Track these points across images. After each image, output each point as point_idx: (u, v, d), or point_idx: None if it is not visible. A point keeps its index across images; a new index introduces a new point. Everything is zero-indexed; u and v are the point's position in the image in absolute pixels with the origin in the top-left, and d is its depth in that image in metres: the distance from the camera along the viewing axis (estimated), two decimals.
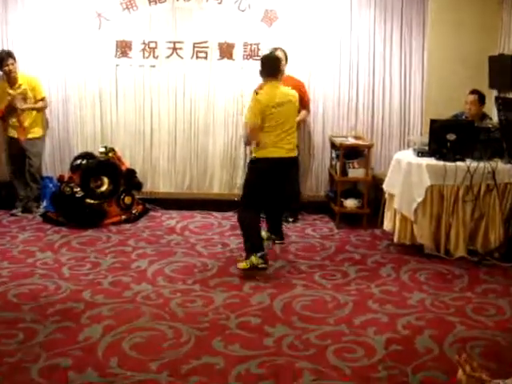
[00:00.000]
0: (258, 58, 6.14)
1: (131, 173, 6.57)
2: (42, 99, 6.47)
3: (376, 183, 6.27)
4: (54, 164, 6.84)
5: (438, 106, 6.23)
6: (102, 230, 6.03)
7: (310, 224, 6.41)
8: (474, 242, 5.32)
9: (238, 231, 5.29)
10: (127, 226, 6.22)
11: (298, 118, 5.42)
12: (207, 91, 6.67)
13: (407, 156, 5.50)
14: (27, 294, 4.45)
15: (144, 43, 6.55)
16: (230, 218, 6.41)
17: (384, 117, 6.67)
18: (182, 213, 6.67)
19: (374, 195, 6.35)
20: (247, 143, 5.20)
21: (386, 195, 5.74)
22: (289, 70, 6.15)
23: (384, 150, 6.72)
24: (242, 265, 4.86)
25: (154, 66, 6.63)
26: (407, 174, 5.29)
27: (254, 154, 5.08)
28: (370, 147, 6.24)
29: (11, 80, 6.30)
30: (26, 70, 6.47)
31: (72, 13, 6.47)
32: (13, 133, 6.44)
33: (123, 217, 6.33)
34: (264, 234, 5.42)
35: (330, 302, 4.41)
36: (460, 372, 2.16)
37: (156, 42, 6.55)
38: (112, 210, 6.31)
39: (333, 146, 6.55)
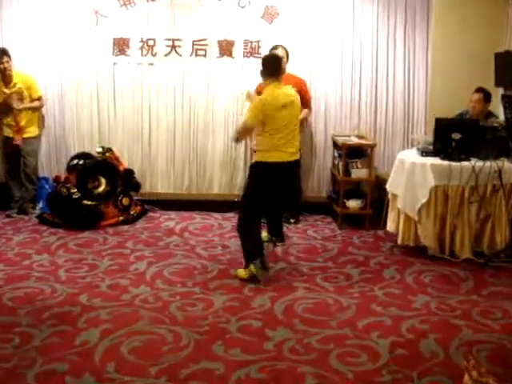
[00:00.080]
0: (259, 55, 6.22)
1: (129, 173, 6.54)
2: (39, 98, 6.43)
3: (379, 183, 6.24)
4: (50, 164, 6.82)
5: (442, 104, 6.19)
6: (100, 232, 6.00)
7: (312, 225, 6.37)
8: (479, 243, 5.28)
9: None
10: (125, 227, 6.18)
11: (299, 117, 5.32)
12: (207, 90, 6.64)
13: (411, 155, 5.46)
14: (23, 297, 4.41)
15: (142, 41, 6.52)
16: (231, 219, 6.37)
17: (387, 115, 6.64)
18: (181, 214, 6.64)
19: (377, 196, 6.33)
20: (235, 140, 5.11)
21: (390, 195, 5.69)
22: (290, 67, 6.12)
23: (387, 149, 6.69)
24: (241, 274, 4.81)
25: (152, 64, 6.60)
26: (411, 174, 5.25)
27: (255, 158, 4.99)
28: (373, 147, 6.21)
29: (6, 78, 6.24)
30: (21, 68, 6.42)
31: (68, 9, 6.44)
32: (8, 132, 6.39)
33: (121, 218, 6.30)
34: (264, 235, 5.37)
35: (333, 304, 4.37)
36: (466, 377, 2.16)
37: (154, 40, 6.51)
38: (109, 211, 6.27)
39: (335, 145, 6.52)
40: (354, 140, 6.31)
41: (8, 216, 6.38)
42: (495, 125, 5.34)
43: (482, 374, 2.13)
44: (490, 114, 5.68)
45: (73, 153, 6.58)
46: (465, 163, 5.11)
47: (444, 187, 5.15)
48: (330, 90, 6.58)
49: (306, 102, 6.00)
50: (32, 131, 6.42)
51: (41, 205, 6.49)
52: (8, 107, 6.25)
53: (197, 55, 6.53)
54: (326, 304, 4.37)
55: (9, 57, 6.19)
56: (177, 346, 3.70)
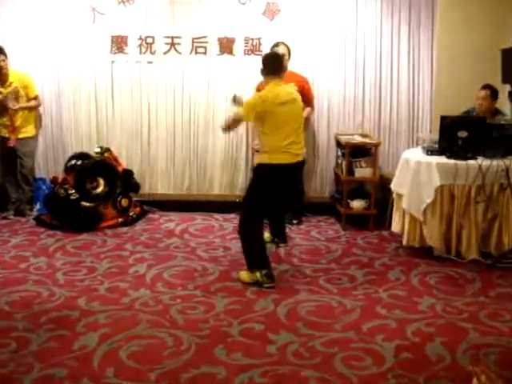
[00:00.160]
0: (260, 53, 6.21)
1: (128, 174, 6.50)
2: (35, 98, 6.37)
3: (383, 183, 6.20)
4: (47, 165, 6.79)
5: (447, 102, 6.15)
6: (98, 234, 5.96)
7: (315, 226, 6.33)
8: (486, 243, 5.22)
9: None
10: (124, 229, 6.14)
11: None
12: (207, 88, 6.60)
13: (416, 154, 5.41)
14: (20, 301, 4.37)
15: (141, 38, 6.47)
16: (232, 220, 6.33)
17: (392, 114, 6.59)
18: (181, 215, 6.61)
19: (381, 195, 6.29)
20: (223, 129, 5.05)
21: (394, 195, 5.64)
22: (292, 65, 6.07)
23: (392, 148, 6.65)
24: (244, 277, 4.73)
25: (151, 62, 6.56)
26: (416, 174, 5.20)
27: (258, 160, 4.91)
28: (377, 145, 6.16)
29: (2, 77, 6.18)
30: (17, 67, 6.37)
31: (65, 7, 6.40)
32: (4, 132, 6.33)
33: (120, 220, 6.25)
34: (267, 236, 5.32)
35: (337, 307, 4.33)
36: (474, 381, 2.09)
37: (153, 37, 6.47)
38: (108, 212, 6.23)
39: (338, 144, 6.47)
40: (358, 139, 6.27)
41: (4, 218, 6.33)
42: (502, 122, 5.29)
43: (490, 379, 2.06)
44: (497, 112, 5.65)
45: (70, 153, 6.54)
46: (471, 162, 5.06)
47: (450, 186, 5.10)
48: (333, 88, 6.53)
49: (308, 100, 5.96)
50: (28, 131, 6.37)
51: (38, 206, 6.45)
52: (4, 107, 6.19)
53: (197, 53, 6.49)
54: (329, 306, 4.33)
55: (5, 55, 6.13)
56: (177, 350, 3.66)
